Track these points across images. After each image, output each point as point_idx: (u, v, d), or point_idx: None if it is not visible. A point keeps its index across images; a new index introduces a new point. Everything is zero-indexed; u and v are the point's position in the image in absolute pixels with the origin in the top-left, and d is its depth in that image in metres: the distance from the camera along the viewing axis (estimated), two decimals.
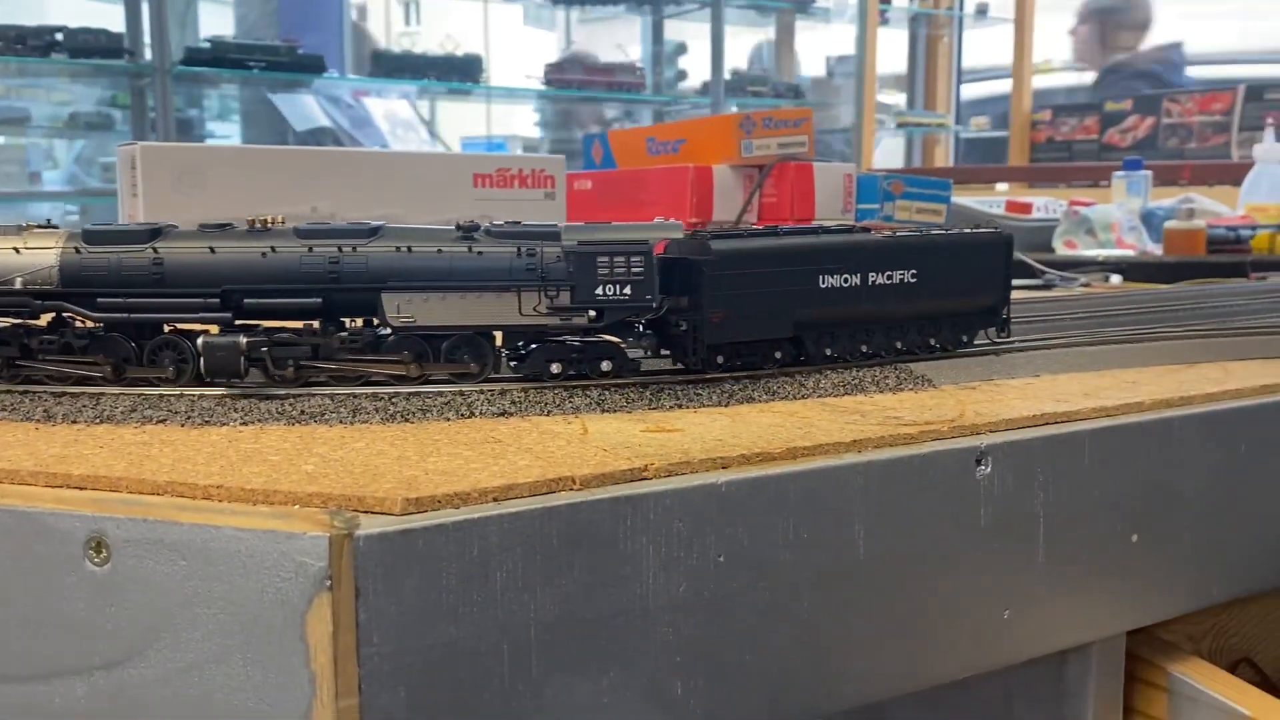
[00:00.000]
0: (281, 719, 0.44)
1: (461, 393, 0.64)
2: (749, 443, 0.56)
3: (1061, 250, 1.92)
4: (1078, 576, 0.64)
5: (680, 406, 0.65)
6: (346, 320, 0.64)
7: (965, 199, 2.07)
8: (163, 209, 1.15)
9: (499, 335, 0.65)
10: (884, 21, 4.13)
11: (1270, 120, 2.76)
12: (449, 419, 0.61)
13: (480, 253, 0.62)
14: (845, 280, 0.69)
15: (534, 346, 0.65)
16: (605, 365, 0.65)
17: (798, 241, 0.69)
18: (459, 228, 0.63)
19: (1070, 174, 3.35)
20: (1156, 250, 1.86)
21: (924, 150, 4.52)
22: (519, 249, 0.62)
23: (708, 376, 0.67)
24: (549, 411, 0.63)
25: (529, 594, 0.47)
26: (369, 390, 0.64)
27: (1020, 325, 0.95)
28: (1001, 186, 3.56)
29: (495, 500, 0.47)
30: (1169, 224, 1.77)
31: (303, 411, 0.61)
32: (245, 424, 0.60)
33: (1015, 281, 1.55)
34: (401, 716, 0.44)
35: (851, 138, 3.92)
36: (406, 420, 0.61)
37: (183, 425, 0.60)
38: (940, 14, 4.45)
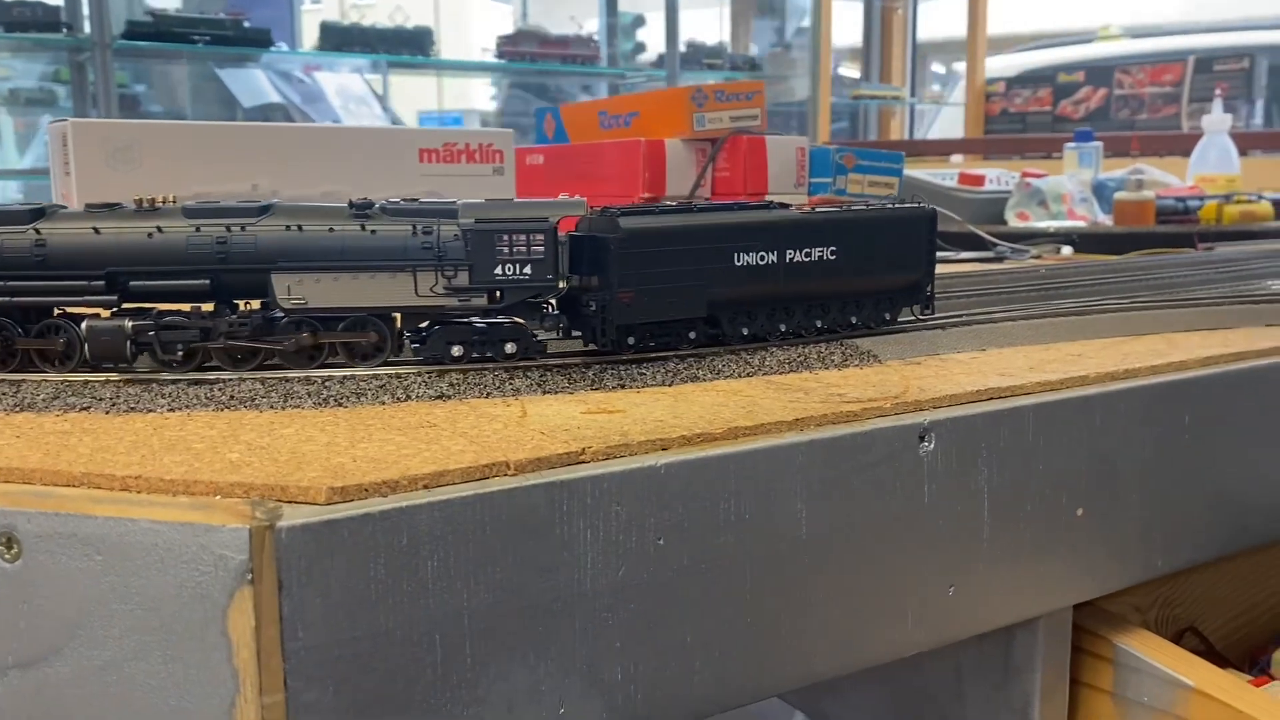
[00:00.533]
0: (204, 717, 0.42)
1: (398, 375, 0.62)
2: (690, 423, 0.55)
3: (1014, 222, 1.93)
4: (1023, 552, 0.64)
5: (623, 387, 0.64)
6: (242, 303, 0.62)
7: (918, 171, 2.06)
8: (97, 187, 1.12)
9: (400, 317, 0.63)
10: None
11: (1219, 92, 2.79)
12: (384, 402, 0.60)
13: (374, 231, 0.60)
14: (761, 258, 0.68)
15: (435, 328, 0.63)
16: (509, 348, 0.63)
17: (711, 219, 0.67)
18: (352, 205, 0.61)
19: (1024, 145, 3.36)
20: (1108, 221, 1.87)
21: (880, 123, 4.52)
22: (414, 227, 0.60)
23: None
24: (488, 394, 0.62)
25: (462, 583, 0.46)
26: (302, 374, 0.62)
27: (969, 299, 0.95)
28: (956, 158, 3.57)
29: (426, 488, 0.46)
30: (1119, 195, 1.78)
31: (232, 397, 0.59)
32: (172, 410, 0.58)
33: (967, 255, 1.56)
34: (329, 711, 0.43)
35: (808, 110, 3.91)
36: (340, 404, 0.59)
37: (107, 413, 0.58)
38: None
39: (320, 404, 0.59)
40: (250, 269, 0.60)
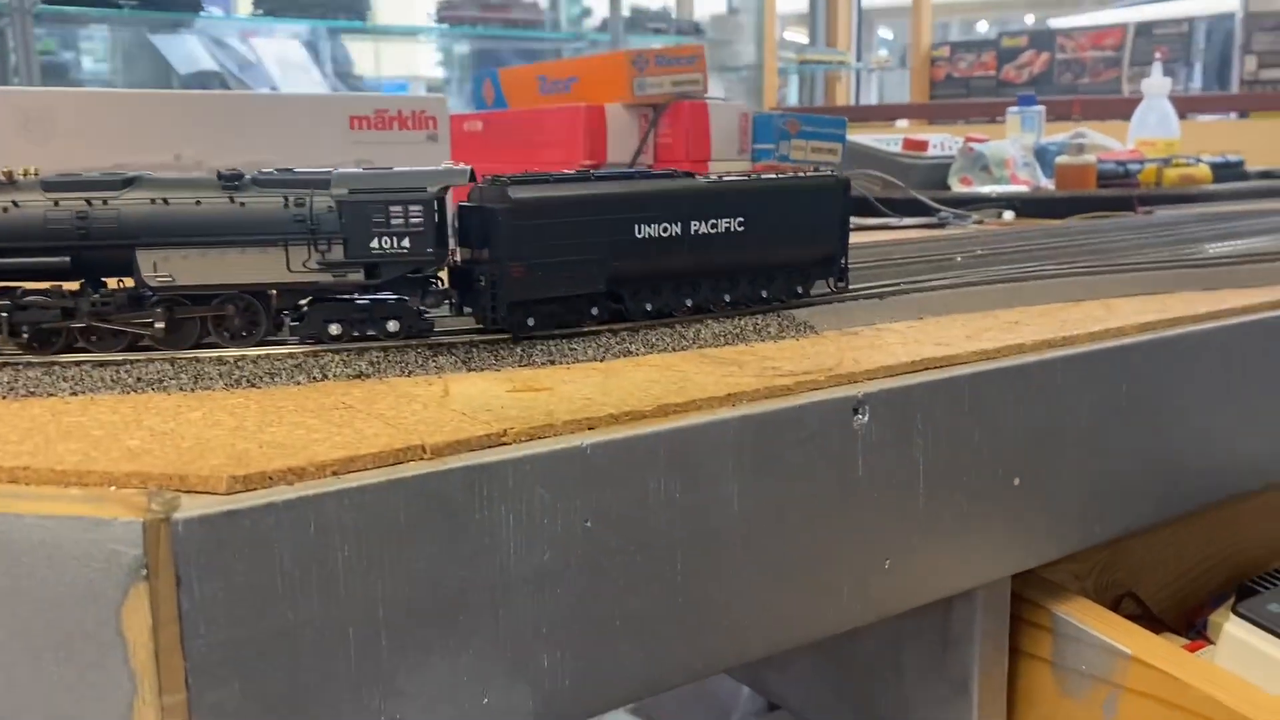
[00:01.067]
0: None
1: (315, 354, 0.60)
2: (619, 400, 0.53)
3: (957, 187, 1.93)
4: (959, 523, 0.63)
5: (553, 363, 0.62)
6: (114, 281, 0.59)
7: (863, 137, 2.05)
8: (10, 158, 1.07)
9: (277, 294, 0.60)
10: None
11: (1158, 56, 2.80)
12: (299, 382, 0.57)
13: (243, 204, 0.57)
14: (664, 230, 0.65)
15: (312, 305, 0.60)
16: (392, 325, 0.60)
17: (610, 189, 0.64)
18: (220, 176, 0.58)
19: (968, 110, 3.37)
20: (1050, 185, 1.87)
21: (825, 88, 4.51)
22: (286, 199, 0.57)
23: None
24: (410, 372, 0.59)
25: (375, 573, 0.43)
26: (214, 354, 0.59)
27: (910, 266, 0.93)
28: (902, 123, 3.57)
29: (335, 474, 0.44)
30: (1060, 159, 1.78)
31: (139, 379, 0.56)
32: (75, 394, 0.55)
33: (910, 220, 1.55)
34: (235, 710, 0.41)
35: (752, 76, 3.88)
36: (253, 385, 0.57)
37: (4, 397, 0.55)
38: None
39: (232, 385, 0.57)
40: (113, 245, 0.56)
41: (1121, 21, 3.57)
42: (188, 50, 4.02)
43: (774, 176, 0.71)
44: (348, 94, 1.41)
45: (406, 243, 0.58)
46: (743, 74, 4.14)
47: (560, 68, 1.85)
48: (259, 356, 0.59)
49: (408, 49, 4.16)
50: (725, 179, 0.68)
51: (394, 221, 0.58)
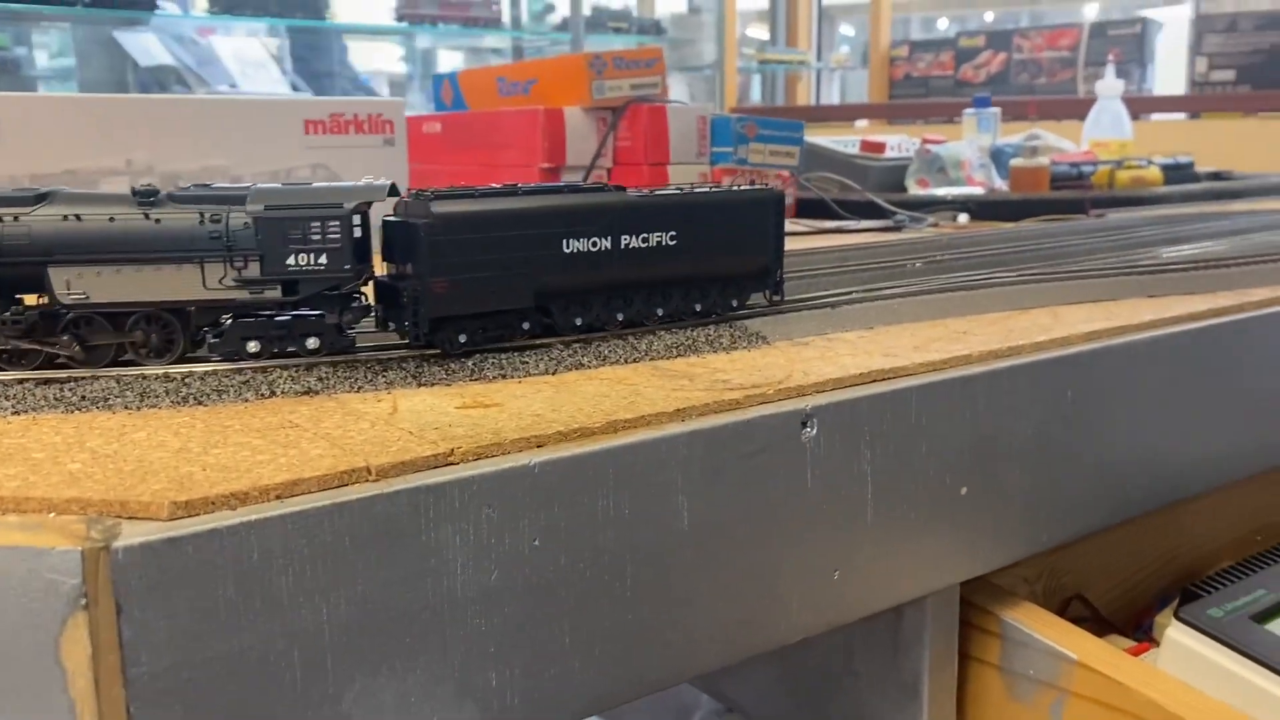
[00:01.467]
0: None
1: (263, 370, 0.60)
2: (568, 417, 0.53)
3: (914, 189, 1.94)
4: (908, 533, 0.64)
5: (504, 376, 0.62)
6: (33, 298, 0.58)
7: (821, 138, 2.06)
8: None
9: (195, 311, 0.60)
10: None
11: (1111, 57, 2.84)
12: (247, 400, 0.57)
13: (158, 220, 0.57)
14: (594, 244, 0.65)
15: (230, 322, 0.59)
16: (311, 342, 0.60)
17: (537, 203, 0.64)
18: (135, 193, 0.57)
19: (927, 110, 3.40)
20: (1005, 187, 1.89)
21: (786, 88, 4.53)
22: (202, 215, 0.57)
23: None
24: (359, 388, 0.59)
25: (320, 597, 0.43)
26: (160, 370, 0.59)
27: (863, 273, 0.94)
28: (862, 123, 3.59)
29: (279, 498, 0.43)
30: (1014, 161, 1.80)
31: (83, 397, 0.56)
32: (17, 413, 0.54)
33: (867, 224, 1.56)
34: None
35: (713, 75, 3.89)
36: (200, 403, 0.56)
37: None
38: None
39: (179, 403, 0.56)
40: (25, 262, 0.56)
41: (1076, 22, 3.61)
42: (146, 45, 3.97)
43: (707, 189, 0.70)
44: (303, 98, 1.40)
45: (324, 259, 0.58)
46: (705, 73, 4.15)
47: (519, 70, 1.84)
48: (206, 373, 0.59)
49: (368, 46, 4.13)
50: (657, 193, 0.68)
51: (311, 238, 0.57)
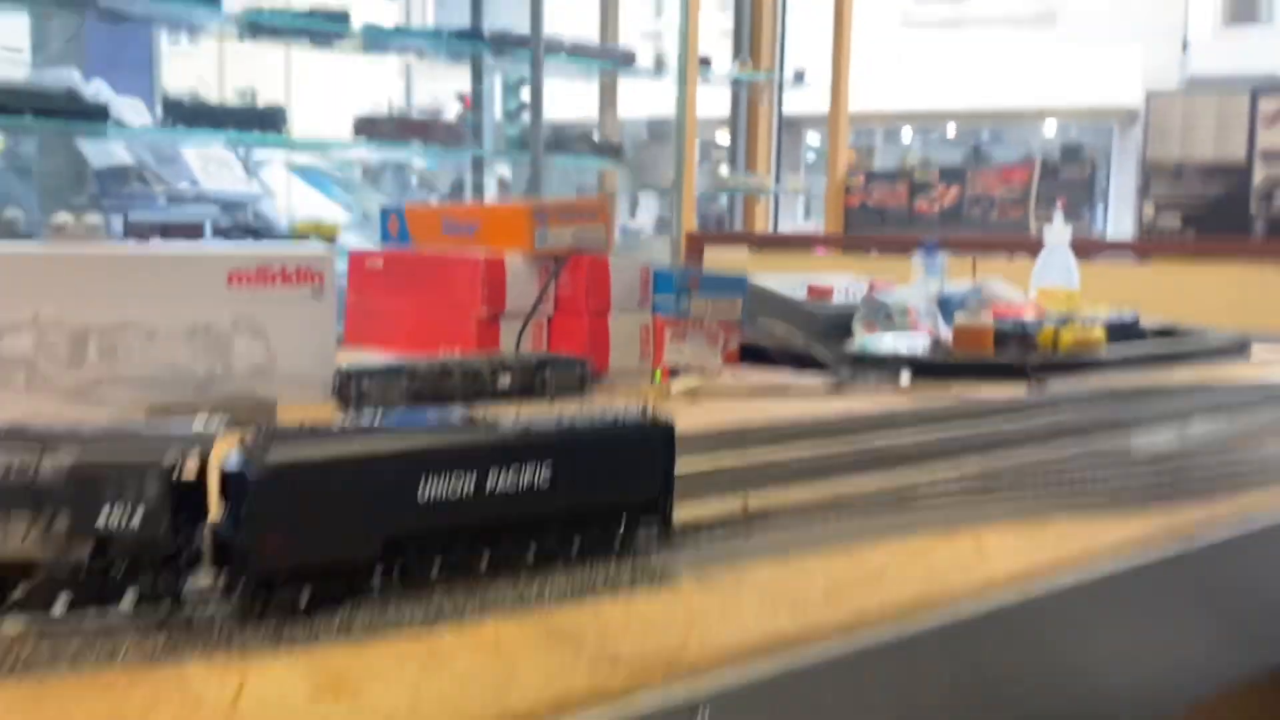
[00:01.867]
0: None
1: (108, 629, 0.54)
2: (428, 715, 0.48)
3: (861, 334, 1.93)
4: None
5: (373, 631, 0.56)
6: None
7: (769, 279, 2.05)
8: None
9: None
10: (705, 81, 4.17)
11: (1059, 203, 2.89)
12: (82, 669, 0.51)
13: None
14: (456, 488, 0.58)
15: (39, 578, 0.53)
16: (126, 605, 0.53)
17: (389, 445, 0.57)
18: None
19: (880, 242, 3.43)
20: (950, 336, 1.88)
21: (745, 211, 4.58)
22: (10, 465, 0.51)
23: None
24: (211, 651, 0.53)
25: None
26: None
27: (786, 473, 0.90)
28: (820, 252, 3.63)
29: None
30: (958, 319, 1.80)
31: None
32: None
33: (808, 379, 1.53)
34: None
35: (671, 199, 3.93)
36: (29, 669, 0.51)
37: None
38: (760, 78, 4.53)
39: (3, 673, 0.50)
40: None
41: (1028, 161, 3.70)
42: (103, 145, 3.94)
43: (589, 422, 0.66)
44: (228, 250, 1.37)
45: (137, 520, 0.51)
46: (667, 193, 4.19)
47: (464, 213, 1.83)
48: (42, 631, 0.53)
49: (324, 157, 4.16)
50: (532, 426, 0.63)
51: (127, 493, 0.51)
